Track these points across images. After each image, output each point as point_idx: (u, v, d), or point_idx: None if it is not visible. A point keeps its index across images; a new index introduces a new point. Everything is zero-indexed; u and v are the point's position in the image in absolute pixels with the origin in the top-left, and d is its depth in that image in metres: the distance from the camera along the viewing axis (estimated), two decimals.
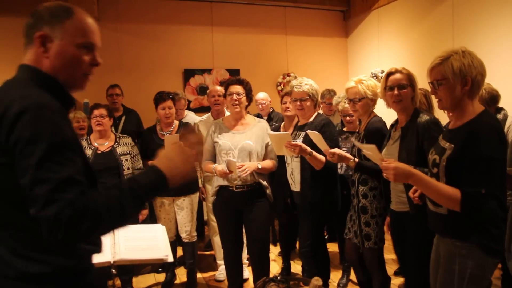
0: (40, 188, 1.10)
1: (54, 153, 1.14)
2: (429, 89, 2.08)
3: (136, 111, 5.16)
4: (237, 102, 3.11)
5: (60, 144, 1.16)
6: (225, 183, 3.10)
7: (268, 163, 3.14)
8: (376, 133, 2.76)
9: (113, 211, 1.17)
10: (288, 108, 3.77)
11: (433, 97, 2.42)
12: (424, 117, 2.38)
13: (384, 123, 2.87)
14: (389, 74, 2.54)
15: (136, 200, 1.23)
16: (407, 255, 2.46)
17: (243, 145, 3.07)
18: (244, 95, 3.13)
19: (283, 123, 3.93)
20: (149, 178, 1.27)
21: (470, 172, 1.75)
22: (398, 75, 2.50)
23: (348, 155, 2.77)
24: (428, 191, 1.87)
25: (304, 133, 3.02)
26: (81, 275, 1.30)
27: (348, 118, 3.71)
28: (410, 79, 2.49)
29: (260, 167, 3.05)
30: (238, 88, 3.12)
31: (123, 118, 4.98)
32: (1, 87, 1.28)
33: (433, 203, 1.95)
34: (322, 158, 2.89)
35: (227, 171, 2.96)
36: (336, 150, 2.75)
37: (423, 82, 2.39)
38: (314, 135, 2.78)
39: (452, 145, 1.85)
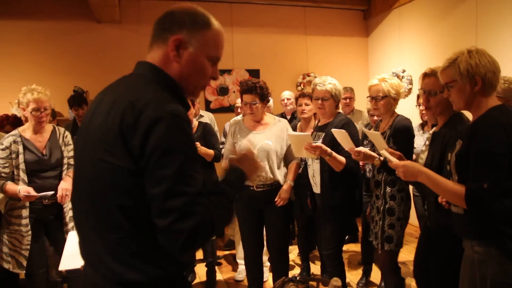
0: (176, 201, 1.10)
1: (188, 165, 1.13)
2: None
3: None
4: (252, 112, 3.14)
5: (192, 157, 1.17)
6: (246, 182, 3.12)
7: (294, 172, 3.20)
8: (405, 132, 2.73)
9: (223, 220, 1.25)
10: (304, 110, 3.74)
11: None
12: (457, 127, 2.22)
13: (410, 122, 2.83)
14: (424, 75, 2.40)
15: (231, 206, 1.31)
16: (432, 266, 2.34)
17: (262, 145, 3.08)
18: (258, 101, 3.12)
19: (299, 124, 3.92)
20: (240, 180, 1.42)
21: (473, 167, 1.73)
22: (432, 79, 2.32)
23: (374, 153, 2.72)
24: (437, 188, 1.87)
25: (324, 133, 3.01)
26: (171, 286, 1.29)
27: (376, 118, 3.68)
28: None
29: (292, 184, 3.15)
30: (251, 98, 3.11)
31: None
32: (125, 82, 1.28)
33: (453, 204, 1.93)
34: (342, 159, 2.85)
35: None
36: (361, 148, 2.71)
37: None
38: (339, 133, 2.74)
39: (461, 141, 1.86)
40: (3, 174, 2.88)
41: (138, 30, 5.93)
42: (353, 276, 3.97)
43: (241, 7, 6.35)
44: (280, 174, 3.12)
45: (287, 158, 3.22)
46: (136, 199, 1.16)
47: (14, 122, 4.18)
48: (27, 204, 2.92)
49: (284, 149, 3.16)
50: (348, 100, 4.89)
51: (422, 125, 3.79)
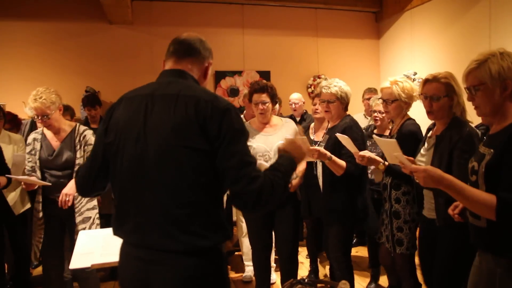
0: (246, 169, 1.44)
1: (247, 141, 1.52)
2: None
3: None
4: (263, 112, 3.13)
5: (248, 135, 1.55)
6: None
7: (302, 170, 3.20)
8: (410, 137, 2.70)
9: (280, 187, 1.50)
10: (317, 110, 3.75)
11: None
12: (462, 129, 2.23)
13: (418, 127, 2.80)
14: (426, 81, 2.42)
15: (286, 181, 1.56)
16: (435, 267, 2.34)
17: (278, 147, 3.07)
18: (269, 102, 3.13)
19: (313, 124, 3.92)
20: (291, 165, 1.64)
21: (508, 176, 1.59)
22: (434, 85, 2.36)
23: (378, 158, 2.70)
24: (461, 197, 1.71)
25: (328, 136, 3.00)
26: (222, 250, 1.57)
27: (377, 115, 3.68)
28: (448, 89, 2.33)
29: (300, 179, 3.16)
30: (263, 97, 3.11)
31: None
32: (175, 83, 1.56)
33: (472, 215, 1.79)
34: (342, 163, 2.80)
35: None
36: (366, 152, 2.69)
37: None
38: (343, 138, 2.73)
39: (492, 150, 1.70)
40: (27, 168, 3.03)
41: (149, 31, 5.98)
42: (362, 279, 3.95)
43: (253, 8, 6.36)
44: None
45: None
46: (207, 177, 1.45)
47: (11, 119, 4.24)
48: (41, 199, 3.00)
49: None
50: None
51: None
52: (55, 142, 3.02)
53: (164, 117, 1.47)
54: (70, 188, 2.87)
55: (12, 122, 4.22)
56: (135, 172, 1.49)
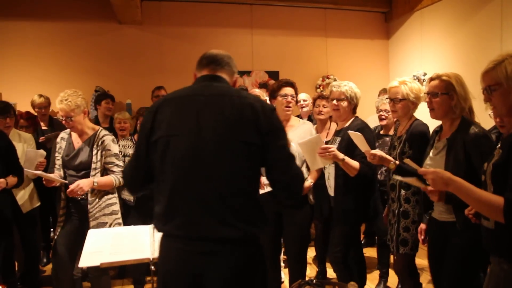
0: (293, 160, 1.73)
1: None
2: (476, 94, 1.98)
3: None
4: (291, 105, 3.14)
5: None
6: (267, 190, 3.10)
7: (316, 173, 3.18)
8: (421, 137, 2.69)
9: (301, 178, 1.79)
10: (321, 111, 3.76)
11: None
12: (473, 130, 2.20)
13: (427, 127, 2.79)
14: (430, 79, 2.46)
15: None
16: (446, 271, 2.30)
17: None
18: (295, 96, 3.18)
19: (315, 125, 3.91)
20: None
21: None
22: (435, 82, 2.39)
23: (389, 157, 2.70)
24: (469, 199, 1.71)
25: (339, 138, 3.00)
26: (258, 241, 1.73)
27: (383, 114, 3.67)
28: (448, 87, 2.33)
29: (312, 183, 3.12)
30: (291, 91, 3.16)
31: None
32: (223, 88, 1.74)
33: (483, 216, 1.80)
34: (356, 164, 2.83)
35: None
36: (377, 151, 2.69)
37: (468, 86, 2.32)
38: (355, 136, 2.74)
39: (500, 150, 1.73)
40: (56, 165, 3.12)
41: (159, 31, 6.00)
42: (370, 280, 3.93)
43: (261, 8, 6.36)
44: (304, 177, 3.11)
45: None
46: (255, 169, 1.68)
47: (28, 116, 4.30)
48: (63, 196, 3.06)
49: None
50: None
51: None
52: (77, 144, 3.08)
53: (219, 115, 1.63)
54: (87, 184, 2.90)
55: (30, 120, 4.29)
56: (190, 166, 1.61)
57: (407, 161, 2.22)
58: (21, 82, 5.47)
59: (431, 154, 2.42)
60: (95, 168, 2.98)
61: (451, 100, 2.32)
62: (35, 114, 4.59)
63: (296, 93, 3.20)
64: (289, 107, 3.14)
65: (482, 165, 1.89)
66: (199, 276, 1.58)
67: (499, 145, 1.84)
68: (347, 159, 2.82)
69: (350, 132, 2.80)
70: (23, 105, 4.99)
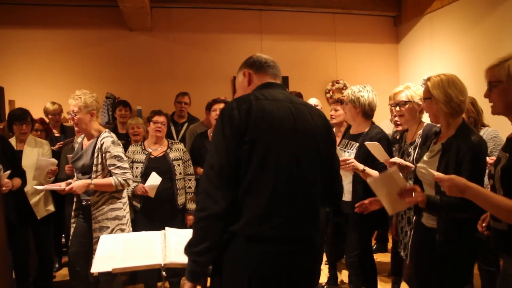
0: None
1: None
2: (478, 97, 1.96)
3: (197, 118, 5.27)
4: None
5: None
6: None
7: None
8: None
9: None
10: (332, 116, 3.79)
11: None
12: (469, 139, 2.12)
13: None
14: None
15: None
16: (434, 278, 2.24)
17: None
18: None
19: (334, 129, 3.91)
20: None
21: None
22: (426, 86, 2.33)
23: (410, 164, 2.68)
24: (488, 205, 1.70)
25: (358, 144, 2.98)
26: None
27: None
28: (429, 91, 2.25)
29: None
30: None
31: (186, 125, 5.12)
32: (292, 97, 1.82)
33: (493, 218, 1.80)
34: (376, 173, 2.79)
35: None
36: (396, 159, 2.68)
37: (479, 91, 2.29)
38: (373, 146, 2.72)
39: (507, 154, 1.73)
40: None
41: (169, 38, 6.04)
42: (382, 286, 3.90)
43: (271, 14, 6.38)
44: None
45: None
46: (324, 175, 1.80)
47: (41, 122, 4.39)
48: (74, 200, 3.12)
49: None
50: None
51: None
52: (85, 146, 3.11)
53: (308, 123, 1.73)
54: (82, 186, 2.93)
55: (43, 125, 4.38)
56: (292, 169, 1.65)
57: (423, 167, 2.19)
58: (34, 90, 5.54)
59: (425, 157, 2.35)
60: (96, 171, 2.99)
61: (434, 104, 2.24)
62: (47, 121, 4.64)
63: None
64: None
65: (472, 177, 1.87)
66: (289, 275, 1.63)
67: (502, 146, 1.83)
68: (367, 169, 2.79)
69: (366, 143, 2.78)
70: (35, 112, 5.02)
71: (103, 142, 3.02)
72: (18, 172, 3.32)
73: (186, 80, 5.99)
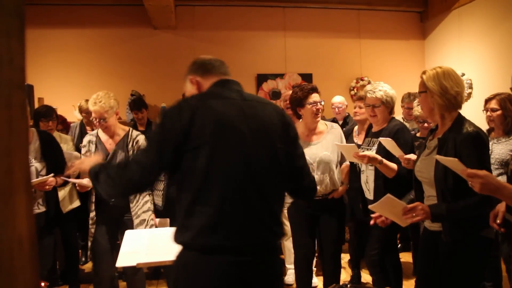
0: (308, 167, 1.84)
1: None
2: None
3: None
4: (319, 112, 3.09)
5: None
6: None
7: (347, 174, 3.19)
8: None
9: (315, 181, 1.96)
10: (356, 113, 3.72)
11: None
12: (466, 129, 2.05)
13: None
14: None
15: None
16: (443, 282, 2.17)
17: (321, 157, 3.04)
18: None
19: (356, 127, 3.87)
20: None
21: None
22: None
23: None
24: None
25: (378, 140, 2.96)
26: None
27: (426, 124, 3.57)
28: (424, 84, 2.18)
29: (347, 186, 3.16)
30: (318, 97, 3.09)
31: None
32: (249, 94, 1.75)
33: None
34: (394, 166, 2.79)
35: None
36: (411, 155, 2.64)
37: (508, 89, 2.24)
38: (387, 142, 2.70)
39: None
40: None
41: (192, 36, 6.09)
42: (406, 286, 3.84)
43: (294, 11, 6.36)
44: (339, 179, 3.11)
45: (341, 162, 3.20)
46: (285, 174, 1.68)
47: (62, 121, 4.51)
48: (93, 199, 3.12)
49: (340, 156, 3.14)
50: (410, 110, 4.63)
51: (489, 131, 3.61)
52: (109, 145, 3.11)
53: (262, 121, 1.63)
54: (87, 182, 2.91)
55: (63, 124, 4.48)
56: (242, 172, 1.56)
57: (453, 160, 2.13)
58: (61, 88, 5.67)
59: (422, 155, 2.28)
60: None
61: (429, 97, 2.16)
62: (81, 118, 4.76)
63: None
64: (318, 114, 3.09)
65: (476, 166, 1.80)
66: (247, 285, 1.56)
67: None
68: (385, 161, 2.78)
69: (381, 139, 2.76)
70: (63, 110, 5.16)
71: (138, 140, 3.06)
72: (62, 169, 3.28)
73: None
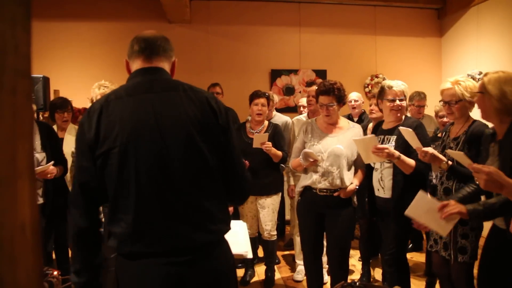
0: (241, 158, 1.69)
1: None
2: None
3: (234, 110, 5.28)
4: (329, 114, 3.09)
5: None
6: (308, 183, 3.10)
7: (360, 177, 3.15)
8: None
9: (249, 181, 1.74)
10: (372, 110, 3.69)
11: None
12: None
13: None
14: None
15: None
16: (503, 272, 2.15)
17: (333, 149, 3.04)
18: (335, 103, 3.07)
19: (370, 124, 3.84)
20: None
21: None
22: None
23: (441, 156, 2.59)
24: None
25: (395, 137, 2.93)
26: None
27: (445, 119, 3.53)
28: (482, 86, 2.20)
29: (357, 186, 3.10)
30: (328, 99, 3.05)
31: None
32: (168, 80, 1.59)
33: None
34: (411, 162, 2.78)
35: (312, 161, 2.99)
36: (429, 149, 2.60)
37: None
38: (407, 132, 2.68)
39: None
40: None
41: (207, 30, 6.10)
42: (416, 286, 3.81)
43: (309, 6, 6.32)
44: (348, 180, 3.07)
45: (355, 165, 3.15)
46: (219, 168, 1.54)
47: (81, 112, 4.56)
48: None
49: (355, 156, 3.10)
50: (421, 108, 4.57)
51: None
52: None
53: (178, 114, 1.48)
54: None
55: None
56: (157, 175, 1.44)
57: (460, 154, 2.11)
58: (77, 80, 5.72)
59: (489, 161, 2.25)
60: None
61: (487, 99, 2.16)
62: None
63: (339, 97, 3.08)
64: (328, 115, 3.09)
65: None
66: (184, 285, 1.46)
67: None
68: (403, 156, 2.77)
69: (401, 128, 2.74)
70: (79, 102, 5.22)
71: None
72: (61, 159, 3.43)
73: (224, 72, 6.03)
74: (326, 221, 3.13)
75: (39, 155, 2.99)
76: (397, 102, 2.94)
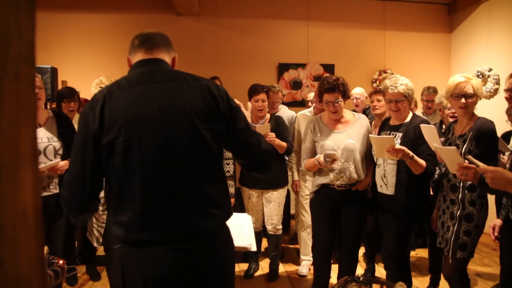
0: (259, 138, 1.72)
1: None
2: None
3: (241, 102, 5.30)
4: (336, 111, 3.06)
5: None
6: (326, 182, 3.08)
7: (371, 167, 3.15)
8: (490, 135, 2.58)
9: (270, 150, 1.79)
10: (375, 106, 3.68)
11: None
12: None
13: (494, 124, 2.65)
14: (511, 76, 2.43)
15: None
16: None
17: (346, 145, 3.02)
18: (341, 100, 3.04)
19: (373, 121, 3.82)
20: None
21: None
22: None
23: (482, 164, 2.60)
24: None
25: (402, 134, 2.91)
26: None
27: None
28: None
29: (371, 179, 3.12)
30: (334, 96, 3.02)
31: None
32: (169, 70, 1.64)
33: None
34: (423, 163, 2.76)
35: (333, 160, 2.95)
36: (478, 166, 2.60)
37: None
38: (428, 129, 2.66)
39: None
40: None
41: (215, 23, 6.09)
42: (420, 283, 3.81)
43: (318, 0, 6.28)
44: (364, 172, 3.08)
45: (366, 156, 3.15)
46: (221, 154, 1.62)
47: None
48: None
49: (365, 147, 3.09)
50: (430, 103, 4.55)
51: None
52: None
53: (181, 103, 1.51)
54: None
55: None
56: (162, 164, 1.47)
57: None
58: (85, 71, 5.74)
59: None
60: None
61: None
62: None
63: (343, 93, 3.04)
64: (335, 112, 3.07)
65: None
66: (189, 272, 1.50)
67: None
68: (416, 157, 2.75)
69: (422, 126, 2.72)
70: (87, 93, 5.23)
71: None
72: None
73: (231, 65, 6.03)
74: (342, 215, 3.12)
75: (57, 144, 3.01)
76: (393, 103, 2.92)
